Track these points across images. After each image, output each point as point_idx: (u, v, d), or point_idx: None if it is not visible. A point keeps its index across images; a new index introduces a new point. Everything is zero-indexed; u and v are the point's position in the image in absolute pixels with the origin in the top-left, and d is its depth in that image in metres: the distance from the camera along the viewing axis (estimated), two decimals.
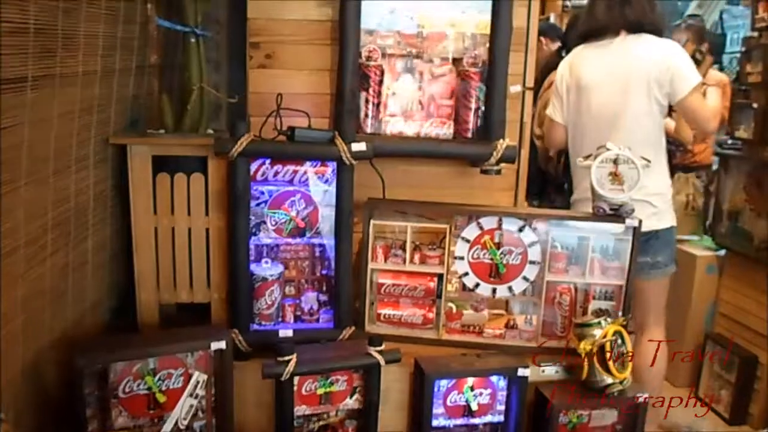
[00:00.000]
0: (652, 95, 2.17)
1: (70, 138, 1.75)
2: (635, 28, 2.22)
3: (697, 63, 2.31)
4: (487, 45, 1.99)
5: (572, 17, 3.24)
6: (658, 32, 2.24)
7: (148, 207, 1.95)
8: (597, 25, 2.28)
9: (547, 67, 3.05)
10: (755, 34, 2.77)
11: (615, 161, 1.89)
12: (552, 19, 3.82)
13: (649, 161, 1.92)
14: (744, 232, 2.78)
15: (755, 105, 2.72)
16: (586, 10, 2.40)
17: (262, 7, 1.99)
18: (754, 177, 2.75)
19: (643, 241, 2.05)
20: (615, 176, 1.90)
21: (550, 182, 2.88)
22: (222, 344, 1.79)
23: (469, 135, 2.03)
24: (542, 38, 3.19)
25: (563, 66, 2.39)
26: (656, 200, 2.21)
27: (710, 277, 2.96)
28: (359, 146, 1.86)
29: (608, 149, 1.90)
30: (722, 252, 2.96)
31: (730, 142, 2.94)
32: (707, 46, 2.85)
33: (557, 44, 3.31)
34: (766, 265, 2.61)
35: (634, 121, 2.18)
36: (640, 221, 1.92)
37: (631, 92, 2.18)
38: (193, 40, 2.06)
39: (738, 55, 3.26)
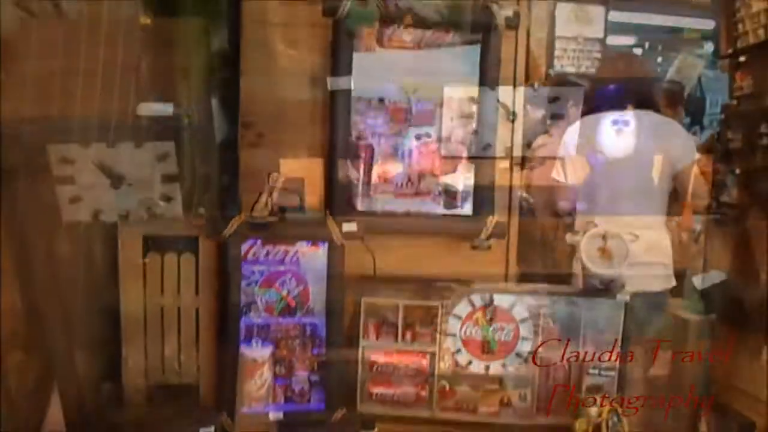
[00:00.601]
0: (662, 162, 2.36)
1: (61, 220, 1.76)
2: (640, 106, 2.43)
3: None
4: (475, 110, 2.02)
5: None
6: (657, 108, 2.43)
7: (137, 287, 1.93)
8: (603, 101, 2.43)
9: (533, 134, 3.11)
10: (734, 101, 2.85)
11: (603, 237, 1.91)
12: (536, 87, 3.92)
13: (637, 236, 1.95)
14: (734, 297, 2.79)
15: (737, 171, 2.77)
16: (592, 86, 2.56)
17: (254, 87, 2.03)
18: (740, 241, 2.78)
19: (652, 303, 2.10)
20: (604, 252, 1.92)
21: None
22: (210, 430, 1.75)
23: (459, 210, 2.05)
24: (527, 105, 3.27)
25: (571, 134, 2.54)
26: (668, 261, 2.38)
27: (702, 342, 2.94)
28: (350, 227, 1.87)
29: (596, 225, 1.93)
30: (714, 316, 2.95)
31: (714, 206, 2.98)
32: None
33: (542, 111, 3.38)
34: (758, 329, 2.61)
35: (647, 186, 2.35)
36: (631, 295, 1.93)
37: (642, 158, 2.38)
38: (186, 120, 2.08)
39: (717, 117, 3.35)
